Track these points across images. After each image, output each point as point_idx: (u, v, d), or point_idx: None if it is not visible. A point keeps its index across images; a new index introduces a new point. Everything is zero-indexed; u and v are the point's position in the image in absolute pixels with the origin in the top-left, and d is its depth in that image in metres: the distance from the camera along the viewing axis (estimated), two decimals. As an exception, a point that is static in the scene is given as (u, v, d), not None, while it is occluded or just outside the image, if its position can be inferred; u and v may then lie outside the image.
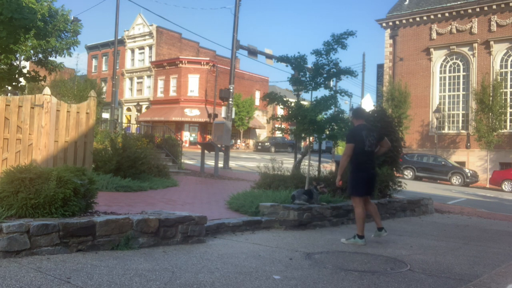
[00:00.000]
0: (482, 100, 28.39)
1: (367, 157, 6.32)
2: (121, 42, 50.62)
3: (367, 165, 6.34)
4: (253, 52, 24.99)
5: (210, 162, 18.06)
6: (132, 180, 10.44)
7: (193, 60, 49.15)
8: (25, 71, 12.97)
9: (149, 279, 3.86)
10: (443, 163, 26.76)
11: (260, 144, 47.96)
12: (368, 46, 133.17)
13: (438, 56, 32.23)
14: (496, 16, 29.81)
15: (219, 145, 17.74)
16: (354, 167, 6.34)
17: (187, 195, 10.07)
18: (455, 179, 25.76)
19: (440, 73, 32.50)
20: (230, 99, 21.72)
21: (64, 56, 14.54)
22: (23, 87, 13.56)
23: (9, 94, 15.97)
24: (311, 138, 9.50)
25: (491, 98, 28.15)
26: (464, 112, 31.44)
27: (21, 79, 12.99)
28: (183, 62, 48.12)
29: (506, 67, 29.91)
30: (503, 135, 28.56)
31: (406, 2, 34.43)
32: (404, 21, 33.47)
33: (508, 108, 29.26)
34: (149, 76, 52.14)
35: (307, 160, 9.58)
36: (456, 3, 31.30)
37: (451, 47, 31.58)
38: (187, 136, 46.65)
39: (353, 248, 6.00)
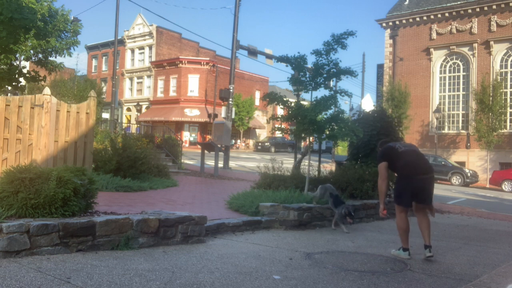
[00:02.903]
0: (482, 100, 28.38)
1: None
2: (121, 42, 50.63)
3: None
4: (253, 52, 24.98)
5: (210, 162, 18.07)
6: (132, 180, 10.44)
7: (193, 60, 49.16)
8: (25, 71, 12.96)
9: (149, 279, 3.86)
10: (443, 163, 26.76)
11: (260, 144, 47.95)
12: (368, 46, 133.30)
13: (438, 56, 32.23)
14: (496, 16, 29.81)
15: (219, 145, 17.74)
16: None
17: (187, 195, 10.07)
18: (455, 179, 25.76)
19: (440, 73, 32.49)
20: (230, 99, 21.71)
21: (64, 56, 14.54)
22: (23, 87, 13.55)
23: (9, 94, 15.97)
24: (311, 138, 9.50)
25: (491, 98, 28.14)
26: (464, 112, 31.43)
27: (21, 79, 12.99)
28: (183, 62, 48.12)
29: (506, 67, 29.90)
30: (503, 135, 28.55)
31: (406, 2, 34.42)
32: (404, 21, 33.47)
33: (508, 108, 29.24)
34: (149, 76, 52.15)
35: (307, 160, 9.58)
36: (456, 3, 31.30)
37: (451, 47, 31.58)
38: (187, 136, 46.65)
39: (353, 249, 6.00)
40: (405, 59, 33.38)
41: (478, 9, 30.37)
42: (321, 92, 14.07)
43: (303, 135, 9.43)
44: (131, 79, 53.96)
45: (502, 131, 28.53)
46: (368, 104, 22.29)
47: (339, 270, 4.67)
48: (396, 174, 5.86)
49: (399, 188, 5.60)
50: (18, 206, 4.64)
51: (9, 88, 13.77)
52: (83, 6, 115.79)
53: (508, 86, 29.59)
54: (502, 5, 29.57)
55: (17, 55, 13.50)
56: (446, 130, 32.17)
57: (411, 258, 5.43)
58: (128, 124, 35.29)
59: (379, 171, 5.71)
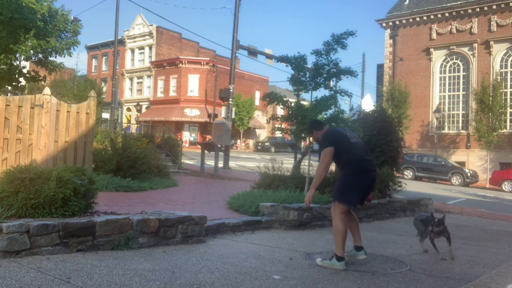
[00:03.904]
0: (482, 100, 28.40)
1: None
2: (121, 42, 50.63)
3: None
4: (253, 52, 24.99)
5: (210, 162, 18.06)
6: (132, 180, 10.43)
7: (193, 60, 49.16)
8: (25, 71, 12.96)
9: (149, 279, 3.86)
10: (443, 163, 26.76)
11: (260, 144, 47.95)
12: (368, 46, 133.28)
13: (438, 56, 32.23)
14: (496, 16, 29.82)
15: (219, 145, 17.73)
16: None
17: (187, 195, 10.07)
18: (455, 179, 25.76)
19: (440, 73, 32.50)
20: (230, 99, 21.71)
21: (64, 56, 14.55)
22: (23, 87, 13.55)
23: (9, 94, 15.97)
24: (311, 138, 9.50)
25: (491, 98, 28.16)
26: (464, 112, 31.44)
27: (21, 79, 12.98)
28: (183, 62, 48.12)
29: (506, 67, 29.91)
30: (503, 135, 28.57)
31: (406, 2, 34.43)
32: (404, 21, 33.48)
33: (508, 108, 29.26)
34: (149, 76, 52.15)
35: (307, 160, 9.58)
36: (456, 3, 31.31)
37: (451, 47, 31.59)
38: (187, 136, 46.65)
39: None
40: (405, 59, 33.38)
41: (478, 9, 30.38)
42: (321, 92, 14.10)
43: (303, 135, 9.43)
44: (131, 79, 53.96)
45: (502, 131, 28.54)
46: (368, 104, 22.27)
47: (339, 270, 4.67)
48: (339, 167, 5.01)
49: (350, 184, 4.80)
50: (18, 206, 4.63)
51: (9, 88, 13.77)
52: (83, 6, 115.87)
53: (508, 86, 29.60)
54: (502, 5, 29.58)
55: (17, 55, 13.50)
56: (446, 130, 32.18)
57: (347, 269, 4.68)
58: (128, 124, 35.28)
59: (323, 156, 4.80)
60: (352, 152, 4.86)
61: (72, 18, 15.09)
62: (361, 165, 4.85)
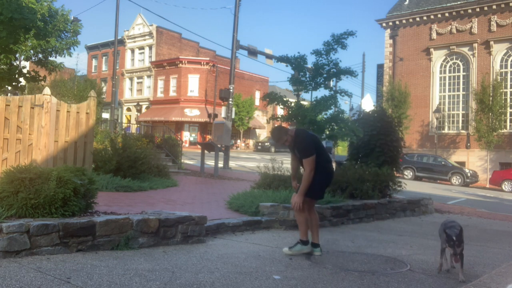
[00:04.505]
0: (482, 100, 28.41)
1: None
2: (121, 42, 50.64)
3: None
4: (253, 52, 24.99)
5: (210, 162, 18.06)
6: (132, 180, 10.43)
7: (193, 60, 49.18)
8: (25, 71, 12.96)
9: (149, 279, 3.86)
10: (443, 163, 26.77)
11: (260, 144, 47.96)
12: (368, 46, 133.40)
13: (438, 56, 32.24)
14: (496, 16, 29.82)
15: (219, 145, 17.73)
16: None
17: (187, 195, 10.07)
18: (455, 179, 25.76)
19: (440, 73, 32.51)
20: (230, 99, 21.71)
21: (64, 56, 14.56)
22: (23, 87, 13.55)
23: (9, 94, 15.97)
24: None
25: (491, 98, 28.17)
26: (464, 112, 31.45)
27: (21, 79, 12.99)
28: (183, 62, 48.13)
29: (506, 67, 29.92)
30: (503, 135, 28.57)
31: (406, 2, 34.43)
32: (404, 21, 33.48)
33: (508, 108, 29.27)
34: (149, 76, 52.16)
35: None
36: (456, 3, 31.31)
37: (451, 47, 31.59)
38: (187, 136, 46.66)
39: (353, 249, 5.99)
40: (405, 59, 33.39)
41: (478, 9, 30.39)
42: (321, 92, 14.11)
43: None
44: (131, 79, 53.97)
45: (502, 131, 28.55)
46: (368, 104, 22.30)
47: (339, 270, 4.67)
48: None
49: (320, 182, 5.27)
50: (18, 206, 4.63)
51: (9, 88, 13.77)
52: (83, 6, 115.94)
53: (508, 86, 29.61)
54: (502, 5, 29.58)
55: (17, 55, 13.50)
56: (446, 130, 32.18)
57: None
58: (128, 124, 35.30)
59: (311, 163, 5.16)
60: (324, 155, 5.39)
61: (72, 18, 15.10)
62: (328, 166, 5.41)
